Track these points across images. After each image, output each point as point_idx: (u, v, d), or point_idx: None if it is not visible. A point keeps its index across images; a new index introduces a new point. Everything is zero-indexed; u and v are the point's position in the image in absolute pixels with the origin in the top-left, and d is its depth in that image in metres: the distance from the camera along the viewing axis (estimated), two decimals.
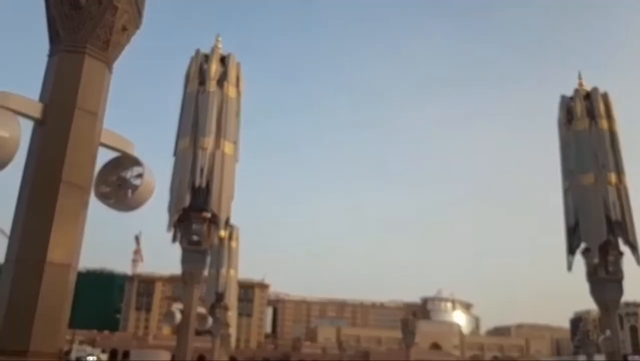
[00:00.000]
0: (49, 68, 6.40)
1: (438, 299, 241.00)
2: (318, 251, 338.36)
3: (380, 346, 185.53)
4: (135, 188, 6.85)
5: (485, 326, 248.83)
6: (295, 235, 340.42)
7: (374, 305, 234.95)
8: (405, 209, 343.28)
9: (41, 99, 6.22)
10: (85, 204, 6.09)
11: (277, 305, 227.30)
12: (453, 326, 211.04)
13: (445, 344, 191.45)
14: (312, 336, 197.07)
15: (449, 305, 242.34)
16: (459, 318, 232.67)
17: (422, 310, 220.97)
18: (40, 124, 6.05)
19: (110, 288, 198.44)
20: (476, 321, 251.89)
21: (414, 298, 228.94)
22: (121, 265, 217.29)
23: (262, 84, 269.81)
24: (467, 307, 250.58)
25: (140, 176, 6.88)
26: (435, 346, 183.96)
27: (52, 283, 5.56)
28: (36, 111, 6.00)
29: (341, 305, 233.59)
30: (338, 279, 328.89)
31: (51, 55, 6.45)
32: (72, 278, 5.84)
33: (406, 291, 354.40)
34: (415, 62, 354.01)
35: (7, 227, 5.90)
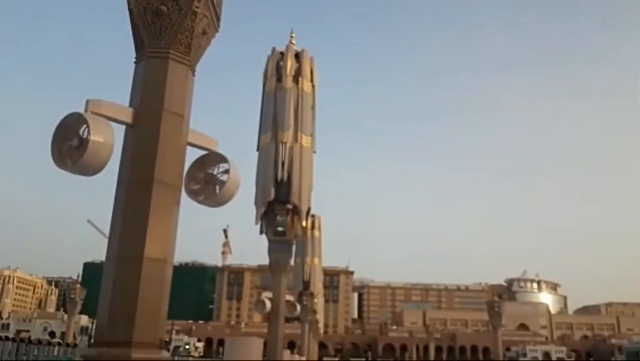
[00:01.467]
0: (136, 74, 6.56)
1: (523, 280, 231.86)
2: (400, 238, 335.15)
3: (467, 329, 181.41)
4: (222, 183, 6.91)
5: (574, 305, 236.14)
6: (378, 222, 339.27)
7: (458, 288, 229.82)
8: (487, 193, 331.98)
9: (131, 104, 6.39)
10: (177, 201, 6.20)
11: (361, 290, 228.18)
12: (540, 307, 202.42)
13: (533, 325, 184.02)
14: (398, 320, 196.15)
15: (535, 285, 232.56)
16: (546, 298, 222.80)
17: (507, 292, 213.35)
18: (131, 128, 6.21)
19: (203, 280, 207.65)
20: (564, 301, 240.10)
21: (498, 280, 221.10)
22: (211, 258, 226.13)
23: (340, 73, 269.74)
24: (553, 287, 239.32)
25: (226, 172, 6.93)
26: (523, 327, 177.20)
27: (150, 277, 5.70)
28: (127, 116, 6.16)
29: (425, 290, 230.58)
30: (421, 264, 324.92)
31: (137, 62, 6.61)
32: (169, 272, 5.96)
33: (490, 273, 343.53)
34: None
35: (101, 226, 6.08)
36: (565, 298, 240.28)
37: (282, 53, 32.93)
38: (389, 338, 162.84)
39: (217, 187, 6.95)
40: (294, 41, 34.18)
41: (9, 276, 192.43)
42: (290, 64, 31.25)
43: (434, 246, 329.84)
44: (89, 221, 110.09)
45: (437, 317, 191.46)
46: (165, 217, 5.95)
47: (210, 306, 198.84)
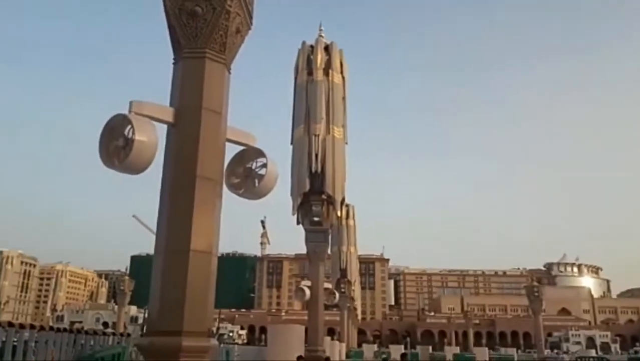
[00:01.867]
0: (174, 75, 6.73)
1: (563, 264, 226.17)
2: (435, 225, 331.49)
3: (506, 314, 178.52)
4: (261, 177, 7.05)
5: (617, 289, 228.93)
6: (412, 210, 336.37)
7: (495, 274, 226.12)
8: (521, 177, 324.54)
9: (171, 103, 6.56)
10: (219, 196, 6.38)
11: (397, 277, 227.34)
12: (581, 291, 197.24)
13: (575, 309, 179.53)
14: (435, 306, 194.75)
15: (575, 269, 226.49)
16: (587, 282, 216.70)
17: (546, 276, 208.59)
18: (173, 127, 6.38)
19: (243, 270, 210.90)
20: (606, 285, 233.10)
21: (537, 265, 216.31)
22: (250, 248, 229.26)
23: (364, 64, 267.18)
24: (595, 271, 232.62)
25: (264, 165, 7.06)
26: (565, 311, 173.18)
27: (197, 269, 5.89)
28: (168, 115, 6.34)
29: (462, 275, 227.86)
30: (457, 251, 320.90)
31: (175, 62, 6.77)
32: (214, 264, 6.15)
33: (528, 259, 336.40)
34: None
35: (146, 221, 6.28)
36: (607, 281, 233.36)
37: (311, 47, 33.03)
38: (428, 324, 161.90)
39: (256, 180, 7.10)
40: (322, 34, 34.14)
41: (62, 271, 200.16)
42: (320, 57, 31.37)
43: (469, 232, 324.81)
44: (134, 216, 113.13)
45: (475, 303, 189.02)
46: (208, 211, 6.13)
47: (252, 295, 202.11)
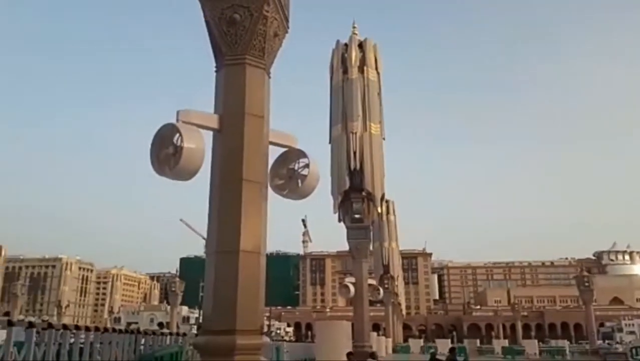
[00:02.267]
0: (217, 82, 6.90)
1: (614, 252, 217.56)
2: (477, 217, 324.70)
3: (555, 306, 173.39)
4: (303, 177, 7.15)
5: None
6: (454, 202, 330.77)
7: (543, 264, 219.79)
8: (566, 166, 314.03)
9: (216, 110, 6.73)
10: (264, 197, 6.52)
11: (441, 272, 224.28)
12: (634, 279, 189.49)
13: (628, 298, 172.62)
14: (481, 299, 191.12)
15: (627, 257, 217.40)
16: None
17: (596, 265, 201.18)
18: (218, 133, 6.55)
19: (287, 268, 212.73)
20: None
21: (586, 254, 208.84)
22: (293, 246, 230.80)
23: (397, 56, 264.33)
24: None
25: (306, 166, 7.16)
26: (617, 301, 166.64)
27: (247, 269, 6.05)
28: (213, 122, 6.51)
29: (507, 268, 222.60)
30: (501, 242, 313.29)
31: (217, 70, 6.94)
32: (263, 263, 6.28)
33: (576, 248, 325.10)
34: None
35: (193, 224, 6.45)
36: None
37: (346, 45, 33.02)
38: (474, 317, 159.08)
39: (299, 181, 7.20)
40: (356, 31, 34.07)
41: (117, 275, 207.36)
42: (354, 55, 31.36)
43: (514, 224, 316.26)
44: (181, 220, 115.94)
45: (522, 295, 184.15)
46: (255, 213, 6.27)
47: (296, 292, 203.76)
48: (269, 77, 7.09)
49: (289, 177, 7.27)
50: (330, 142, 28.43)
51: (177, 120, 6.16)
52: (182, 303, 70.39)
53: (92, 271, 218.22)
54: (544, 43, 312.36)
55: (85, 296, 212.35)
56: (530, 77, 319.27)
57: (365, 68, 30.00)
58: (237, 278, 5.90)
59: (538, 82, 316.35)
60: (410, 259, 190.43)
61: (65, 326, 10.90)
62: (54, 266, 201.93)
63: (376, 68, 30.35)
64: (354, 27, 31.33)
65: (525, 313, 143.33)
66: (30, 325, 9.74)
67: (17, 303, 66.50)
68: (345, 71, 29.95)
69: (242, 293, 5.89)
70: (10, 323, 9.87)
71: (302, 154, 7.21)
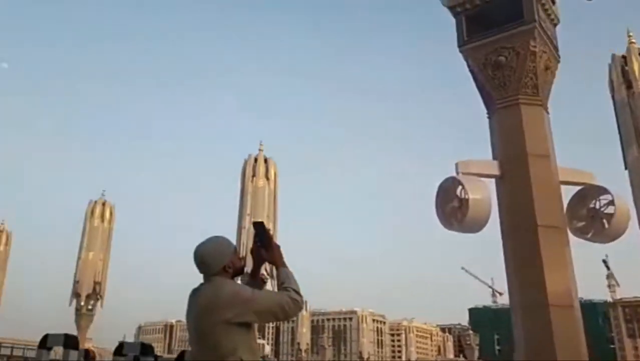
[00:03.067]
0: (491, 128, 6.72)
1: None
2: None
3: None
4: (610, 216, 6.23)
5: None
6: None
7: None
8: None
9: (494, 156, 6.51)
10: (566, 243, 5.91)
11: None
12: None
13: None
14: None
15: None
16: None
17: None
18: (500, 179, 6.29)
19: (595, 318, 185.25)
20: None
21: None
22: (595, 292, 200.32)
23: None
24: None
25: (611, 203, 6.21)
26: None
27: (561, 324, 5.45)
28: (494, 169, 6.29)
29: None
30: None
31: (490, 116, 6.78)
32: (578, 317, 5.59)
33: None
34: None
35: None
36: None
37: (623, 57, 28.90)
38: None
39: (605, 221, 6.28)
40: (633, 40, 29.60)
41: (408, 327, 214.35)
42: (637, 65, 27.04)
43: None
44: (462, 268, 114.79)
45: None
46: (559, 261, 5.71)
47: (611, 346, 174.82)
48: (547, 113, 6.58)
49: (592, 217, 6.41)
50: (626, 168, 24.63)
51: (457, 172, 6.14)
52: (478, 357, 68.06)
53: (384, 323, 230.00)
54: None
55: (382, 348, 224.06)
56: None
57: None
58: (551, 335, 5.34)
59: None
60: None
61: None
62: (350, 319, 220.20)
63: None
64: (629, 36, 27.24)
65: None
66: None
67: (325, 354, 74.62)
68: (629, 86, 26.11)
69: (560, 352, 5.26)
70: None
71: (602, 190, 6.37)
